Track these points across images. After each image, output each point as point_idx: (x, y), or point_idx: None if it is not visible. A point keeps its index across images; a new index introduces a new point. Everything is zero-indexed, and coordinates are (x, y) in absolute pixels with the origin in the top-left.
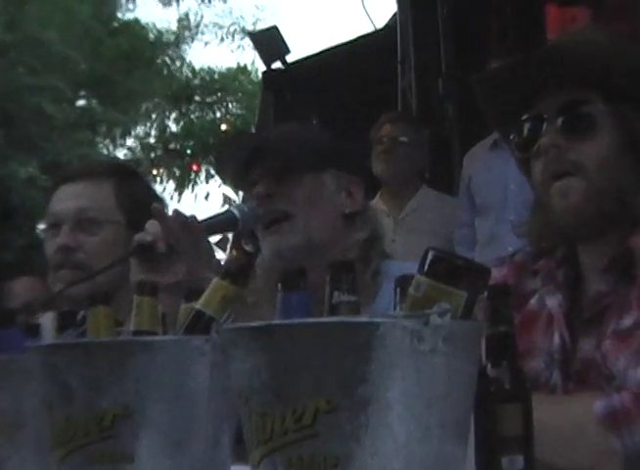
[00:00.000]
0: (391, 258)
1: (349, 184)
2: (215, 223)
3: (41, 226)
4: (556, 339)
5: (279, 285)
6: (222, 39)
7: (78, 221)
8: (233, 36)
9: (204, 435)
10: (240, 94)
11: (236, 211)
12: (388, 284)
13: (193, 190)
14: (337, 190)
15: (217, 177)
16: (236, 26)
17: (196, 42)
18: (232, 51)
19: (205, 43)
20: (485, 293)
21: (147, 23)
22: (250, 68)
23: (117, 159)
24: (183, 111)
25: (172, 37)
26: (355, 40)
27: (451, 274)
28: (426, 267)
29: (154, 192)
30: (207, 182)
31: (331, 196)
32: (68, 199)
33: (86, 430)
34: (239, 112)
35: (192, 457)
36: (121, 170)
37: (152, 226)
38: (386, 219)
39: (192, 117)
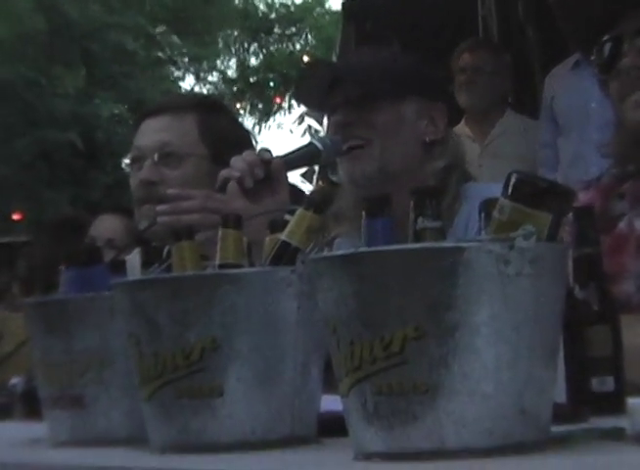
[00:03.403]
0: (472, 181)
1: (432, 111)
2: (298, 157)
3: (126, 161)
4: None
5: (363, 212)
6: None
7: (161, 155)
8: None
9: (292, 365)
10: (317, 24)
11: (318, 144)
12: (466, 205)
13: (275, 121)
14: (418, 117)
15: (300, 108)
16: None
17: None
18: None
19: None
20: (570, 215)
21: None
22: None
23: (200, 93)
24: (262, 43)
25: None
26: None
27: (535, 197)
28: (509, 191)
29: (239, 125)
30: (291, 113)
31: (411, 123)
32: (150, 133)
33: (174, 364)
34: (318, 43)
35: (282, 388)
36: (205, 103)
37: (237, 162)
38: (471, 145)
39: (271, 49)
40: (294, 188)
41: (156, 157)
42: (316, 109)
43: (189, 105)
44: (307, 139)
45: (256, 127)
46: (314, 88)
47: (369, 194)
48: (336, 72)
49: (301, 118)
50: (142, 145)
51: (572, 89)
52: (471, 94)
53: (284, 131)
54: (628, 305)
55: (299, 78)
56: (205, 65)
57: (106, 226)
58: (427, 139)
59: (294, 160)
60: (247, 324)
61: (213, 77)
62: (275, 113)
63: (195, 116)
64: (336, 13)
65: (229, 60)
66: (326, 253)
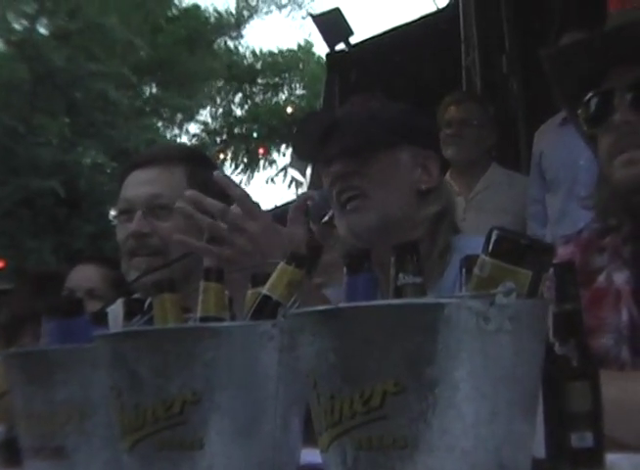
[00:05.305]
0: (462, 233)
1: (425, 159)
2: (286, 212)
3: (113, 212)
4: (624, 315)
5: (344, 268)
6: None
7: (151, 207)
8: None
9: (273, 419)
10: (303, 74)
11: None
12: (457, 257)
13: (259, 173)
14: (412, 166)
15: (285, 159)
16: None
17: (256, 19)
18: (294, 23)
19: (266, 13)
20: (551, 271)
21: (206, 7)
22: (312, 46)
23: (187, 144)
24: (247, 93)
25: (232, 19)
26: (418, 20)
27: (515, 254)
28: (490, 247)
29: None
30: (271, 166)
31: (406, 172)
32: (140, 185)
33: (155, 417)
34: (303, 92)
35: (262, 442)
36: (194, 156)
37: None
38: (456, 198)
39: (256, 99)
40: None
41: (146, 209)
42: (310, 160)
43: (178, 157)
44: (292, 191)
45: (240, 178)
46: (309, 139)
47: (349, 250)
48: (332, 123)
49: (284, 171)
50: (131, 197)
51: (561, 146)
52: (457, 147)
53: (268, 183)
54: (607, 359)
55: (295, 130)
56: (188, 115)
57: (85, 276)
58: (422, 187)
59: (280, 214)
60: (227, 377)
61: (197, 128)
62: (263, 166)
63: (184, 168)
64: (321, 62)
65: (215, 111)
66: (306, 307)
